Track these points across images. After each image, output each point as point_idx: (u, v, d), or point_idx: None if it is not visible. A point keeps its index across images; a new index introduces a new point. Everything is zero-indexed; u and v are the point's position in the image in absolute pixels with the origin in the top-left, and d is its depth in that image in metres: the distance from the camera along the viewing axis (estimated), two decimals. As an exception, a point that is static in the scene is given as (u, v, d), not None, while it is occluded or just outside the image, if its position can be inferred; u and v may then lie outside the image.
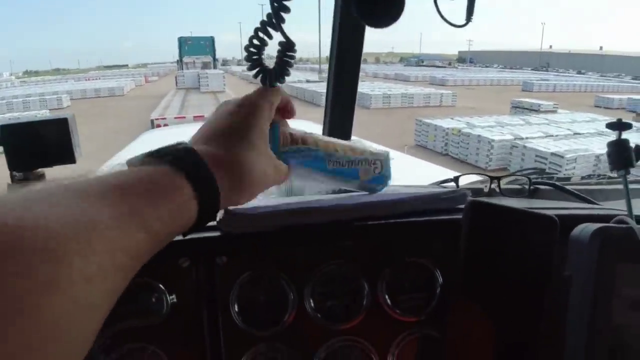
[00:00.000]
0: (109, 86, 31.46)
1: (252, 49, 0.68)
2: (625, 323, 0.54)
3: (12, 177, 0.75)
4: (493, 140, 10.35)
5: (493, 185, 1.17)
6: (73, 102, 25.94)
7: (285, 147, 0.66)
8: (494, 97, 24.87)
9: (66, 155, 0.75)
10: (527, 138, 10.48)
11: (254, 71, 0.66)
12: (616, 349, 0.54)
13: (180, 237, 0.72)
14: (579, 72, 64.08)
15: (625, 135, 0.80)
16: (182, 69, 24.66)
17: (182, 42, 25.69)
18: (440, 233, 0.74)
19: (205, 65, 24.87)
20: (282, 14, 0.69)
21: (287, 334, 0.72)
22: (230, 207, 0.66)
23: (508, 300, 0.64)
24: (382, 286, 0.73)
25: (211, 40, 26.44)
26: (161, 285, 0.68)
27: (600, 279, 0.53)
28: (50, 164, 0.75)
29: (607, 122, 0.81)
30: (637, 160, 0.78)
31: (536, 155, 9.42)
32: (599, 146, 9.52)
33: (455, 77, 38.84)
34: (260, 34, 0.68)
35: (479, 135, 10.68)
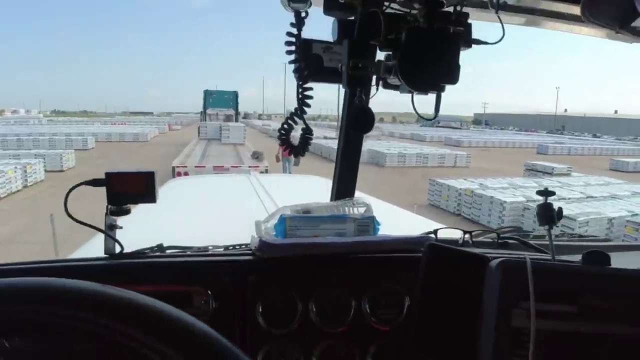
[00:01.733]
0: (133, 132, 32.79)
1: (282, 131, 1.01)
2: (520, 326, 0.81)
3: (107, 208, 1.07)
4: (505, 202, 10.45)
5: (466, 238, 1.45)
6: (98, 144, 26.88)
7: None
8: (508, 159, 25.13)
9: (150, 197, 1.06)
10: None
11: (284, 145, 0.99)
12: (514, 345, 0.81)
13: (225, 258, 1.03)
14: (594, 135, 64.28)
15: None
16: (205, 120, 25.42)
17: (207, 94, 26.71)
18: (409, 266, 1.03)
19: (227, 118, 25.61)
20: (305, 107, 1.03)
21: (296, 333, 1.01)
22: (263, 238, 0.97)
23: (453, 319, 0.91)
24: (365, 302, 1.02)
25: (235, 94, 27.42)
26: (209, 292, 0.98)
27: (502, 295, 0.81)
28: (137, 202, 1.06)
29: (537, 190, 1.09)
30: (558, 219, 1.06)
31: (548, 218, 9.50)
32: (612, 209, 9.60)
33: (470, 138, 39.41)
34: (289, 122, 1.02)
35: (491, 197, 10.79)
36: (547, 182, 13.63)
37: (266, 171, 12.45)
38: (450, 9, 0.98)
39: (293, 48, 1.04)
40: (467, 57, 1.07)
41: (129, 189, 1.05)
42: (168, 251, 1.26)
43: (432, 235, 1.25)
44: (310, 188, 4.35)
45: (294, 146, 1.01)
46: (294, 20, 1.03)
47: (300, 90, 1.02)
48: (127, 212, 1.07)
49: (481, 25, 1.08)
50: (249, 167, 13.15)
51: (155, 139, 32.98)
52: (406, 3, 0.98)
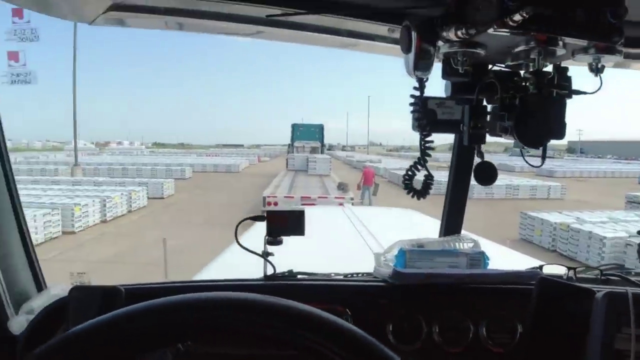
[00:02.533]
0: (226, 163, 34.79)
1: (406, 177, 1.21)
2: (623, 348, 0.94)
3: (265, 239, 1.33)
4: (605, 237, 9.80)
5: (570, 274, 1.55)
6: (194, 174, 28.76)
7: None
8: (607, 191, 23.41)
9: (300, 230, 1.31)
10: (643, 236, 9.86)
11: (408, 191, 1.19)
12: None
13: (359, 283, 1.24)
14: None
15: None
16: (293, 152, 26.40)
17: (295, 128, 27.99)
18: (520, 296, 1.18)
19: (313, 150, 26.46)
20: (427, 157, 1.22)
21: (420, 351, 1.18)
22: (398, 268, 1.17)
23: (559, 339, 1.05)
24: (482, 327, 1.18)
25: (321, 127, 28.51)
26: (348, 310, 1.18)
27: (607, 322, 0.94)
28: (289, 234, 1.32)
29: (638, 230, 1.20)
30: None
31: (654, 255, 8.79)
32: None
33: (564, 168, 37.26)
34: (413, 169, 1.21)
35: (590, 232, 10.15)
36: (652, 216, 12.59)
37: (352, 202, 12.69)
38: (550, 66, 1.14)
39: (417, 107, 1.24)
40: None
41: (284, 224, 1.30)
42: (299, 276, 1.48)
43: (539, 270, 1.39)
44: (404, 221, 4.52)
45: (417, 190, 1.20)
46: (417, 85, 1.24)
47: (422, 142, 1.22)
48: (280, 242, 1.32)
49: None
50: (335, 197, 13.50)
51: (246, 170, 34.64)
52: (514, 67, 1.16)
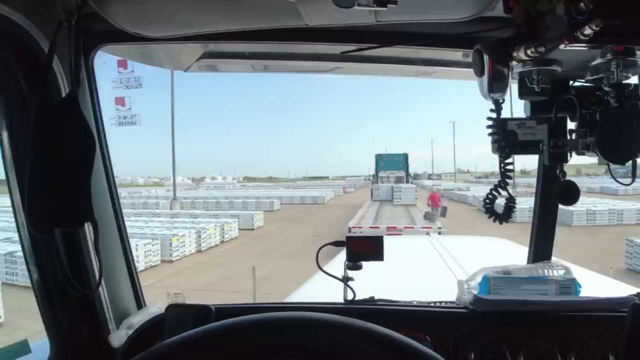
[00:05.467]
0: (312, 195, 35.54)
1: (487, 201, 1.20)
2: None
3: (345, 264, 1.36)
4: None
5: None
6: (282, 206, 29.64)
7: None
8: None
9: (378, 256, 1.35)
10: None
11: (490, 215, 1.17)
12: None
13: (439, 310, 1.22)
14: None
15: None
16: (377, 183, 26.45)
17: (379, 158, 28.17)
18: (612, 325, 1.10)
19: (398, 180, 26.30)
20: (507, 180, 1.20)
21: None
22: (480, 295, 1.15)
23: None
24: (571, 357, 1.12)
25: (405, 156, 28.44)
26: (428, 337, 1.17)
27: None
28: (368, 260, 1.34)
29: None
30: None
31: None
32: None
33: (679, 190, 33.37)
34: (494, 193, 1.20)
35: None
36: None
37: (439, 232, 12.36)
38: (635, 79, 1.09)
39: (494, 129, 1.23)
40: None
41: (363, 249, 1.33)
42: (379, 302, 1.48)
43: (634, 297, 1.29)
44: (494, 249, 4.35)
45: (498, 214, 1.18)
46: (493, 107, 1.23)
47: (502, 165, 1.20)
48: (360, 267, 1.35)
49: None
50: (422, 227, 13.23)
51: (332, 202, 35.02)
52: (595, 81, 1.12)
